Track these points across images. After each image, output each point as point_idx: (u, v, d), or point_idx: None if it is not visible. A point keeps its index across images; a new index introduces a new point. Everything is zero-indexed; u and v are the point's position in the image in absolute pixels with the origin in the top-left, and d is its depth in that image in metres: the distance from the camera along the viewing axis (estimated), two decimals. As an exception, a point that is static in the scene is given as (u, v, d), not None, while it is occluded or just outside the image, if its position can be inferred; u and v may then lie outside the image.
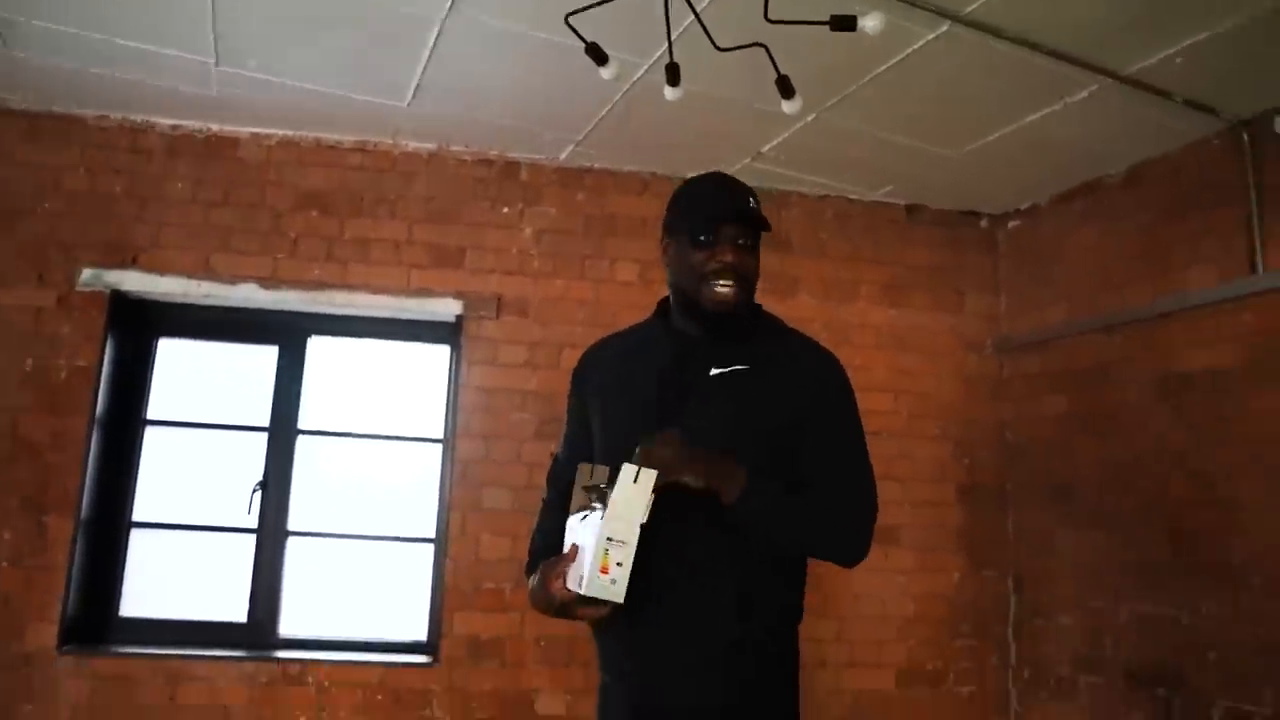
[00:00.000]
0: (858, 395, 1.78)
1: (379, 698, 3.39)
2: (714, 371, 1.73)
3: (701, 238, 1.73)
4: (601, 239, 3.88)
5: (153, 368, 3.71)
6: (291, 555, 3.67)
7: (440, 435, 3.79)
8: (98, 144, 3.57)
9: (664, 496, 1.58)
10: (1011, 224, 4.22)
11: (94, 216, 3.51)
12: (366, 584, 3.74)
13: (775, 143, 3.67)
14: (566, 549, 1.66)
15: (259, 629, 3.57)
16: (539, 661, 3.50)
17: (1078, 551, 3.66)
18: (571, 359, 3.56)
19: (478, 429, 3.65)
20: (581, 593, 1.58)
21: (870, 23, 2.41)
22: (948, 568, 3.87)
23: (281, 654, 3.47)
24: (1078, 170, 3.82)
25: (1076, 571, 3.65)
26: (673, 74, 2.72)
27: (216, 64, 3.18)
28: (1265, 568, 2.98)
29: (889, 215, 4.15)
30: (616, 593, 1.56)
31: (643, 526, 1.56)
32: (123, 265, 3.50)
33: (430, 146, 3.80)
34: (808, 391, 1.73)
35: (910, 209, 4.17)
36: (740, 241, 1.74)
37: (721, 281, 1.71)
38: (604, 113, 3.47)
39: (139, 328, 3.68)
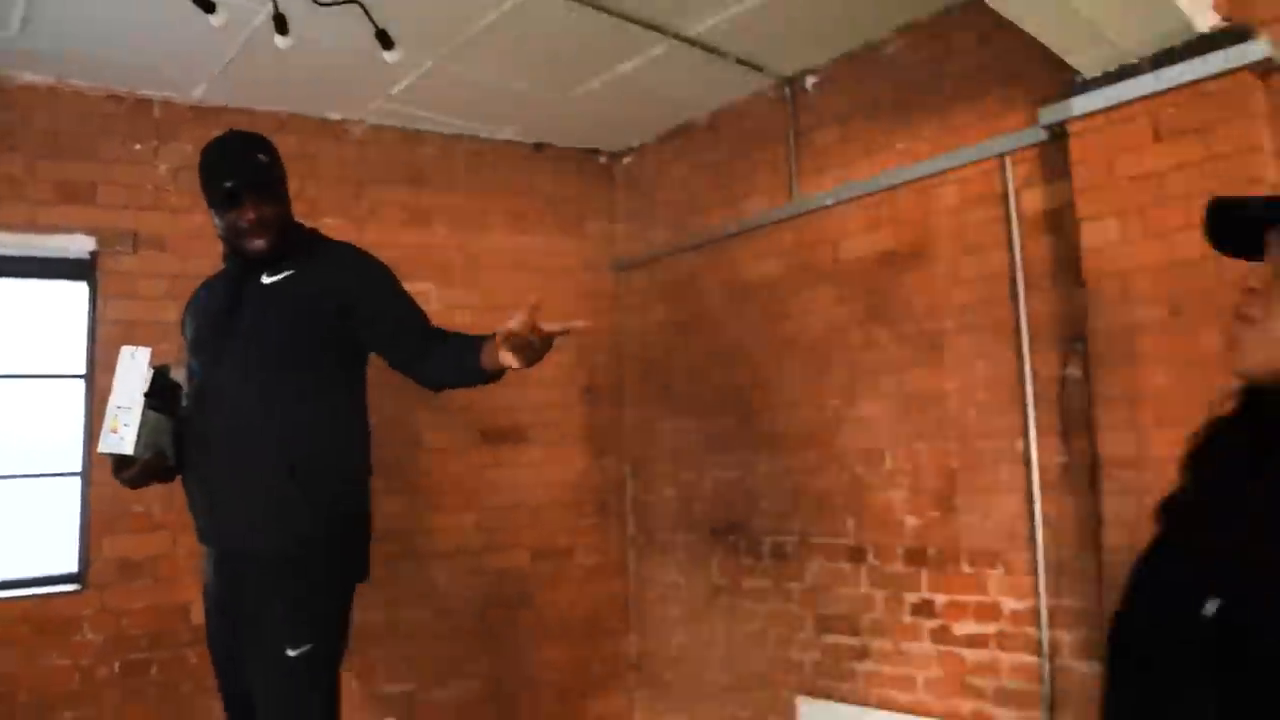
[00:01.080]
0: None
1: (23, 629, 3.46)
2: (265, 280, 2.15)
3: (224, 205, 2.14)
4: (239, 175, 4.02)
5: None
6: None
7: (81, 370, 3.84)
8: None
9: (211, 364, 2.12)
10: (626, 160, 4.83)
11: None
12: (13, 523, 3.75)
13: (402, 86, 3.98)
14: None
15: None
16: (192, 574, 3.71)
17: (675, 435, 4.40)
18: (213, 291, 3.79)
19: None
20: (100, 451, 2.04)
21: None
22: (573, 459, 4.49)
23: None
24: (673, 115, 4.46)
25: (674, 452, 4.39)
26: (280, 24, 2.98)
27: None
28: (795, 432, 3.82)
29: (518, 152, 4.61)
30: (125, 447, 2.02)
31: (148, 396, 2.05)
32: None
33: (49, 79, 3.75)
34: (348, 281, 2.20)
35: (537, 146, 4.65)
36: (256, 196, 2.14)
37: (251, 238, 2.14)
38: (233, 54, 3.60)
39: None
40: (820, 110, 3.87)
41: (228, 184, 2.10)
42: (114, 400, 2.03)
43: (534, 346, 1.87)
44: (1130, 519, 2.69)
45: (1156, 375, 2.70)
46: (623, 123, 4.56)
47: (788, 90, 3.99)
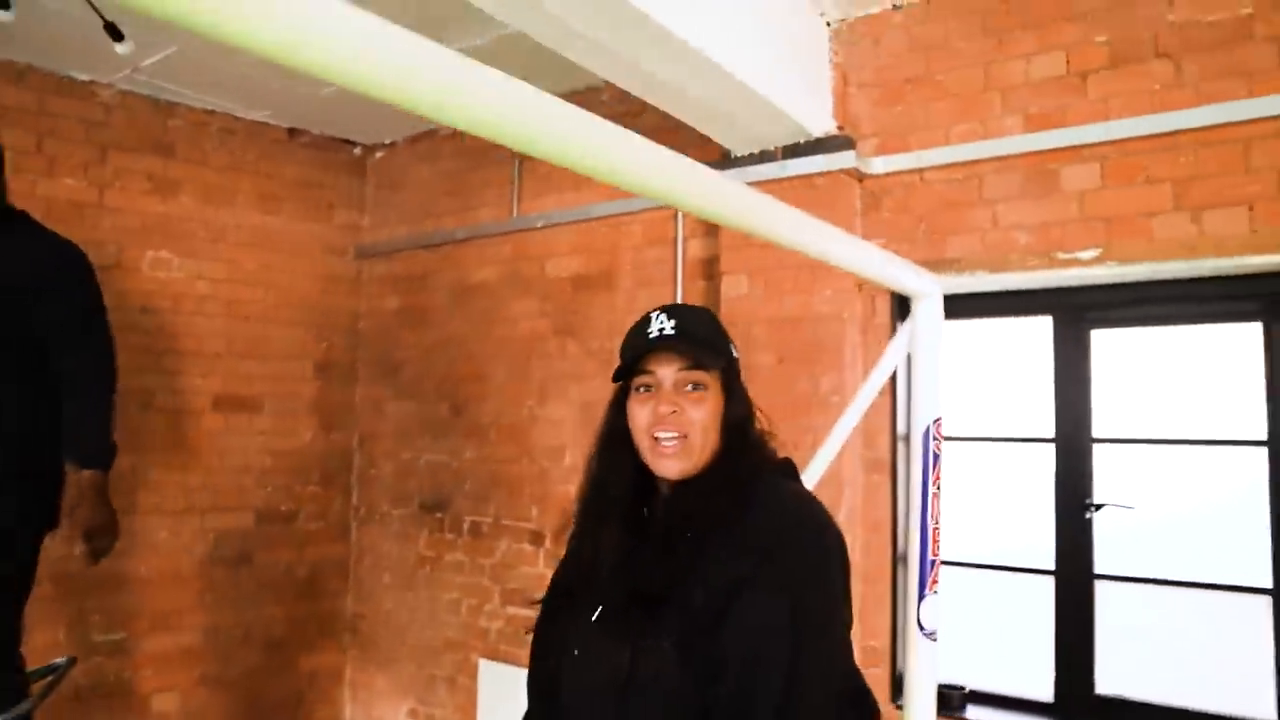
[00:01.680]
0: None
1: None
2: None
3: None
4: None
5: None
6: None
7: None
8: None
9: None
10: (379, 154, 5.12)
11: None
12: None
13: (152, 61, 4.11)
14: None
15: None
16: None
17: (398, 416, 4.79)
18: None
19: None
20: None
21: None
22: (302, 430, 4.80)
23: None
24: (420, 119, 4.72)
25: (397, 431, 4.79)
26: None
27: None
28: (499, 423, 4.30)
29: (272, 135, 4.81)
30: None
31: None
32: None
33: None
34: (41, 275, 2.47)
35: (291, 131, 4.87)
36: None
37: None
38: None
39: None
40: (546, 137, 4.31)
41: None
42: None
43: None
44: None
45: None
46: (376, 119, 4.84)
47: (522, 114, 4.40)
